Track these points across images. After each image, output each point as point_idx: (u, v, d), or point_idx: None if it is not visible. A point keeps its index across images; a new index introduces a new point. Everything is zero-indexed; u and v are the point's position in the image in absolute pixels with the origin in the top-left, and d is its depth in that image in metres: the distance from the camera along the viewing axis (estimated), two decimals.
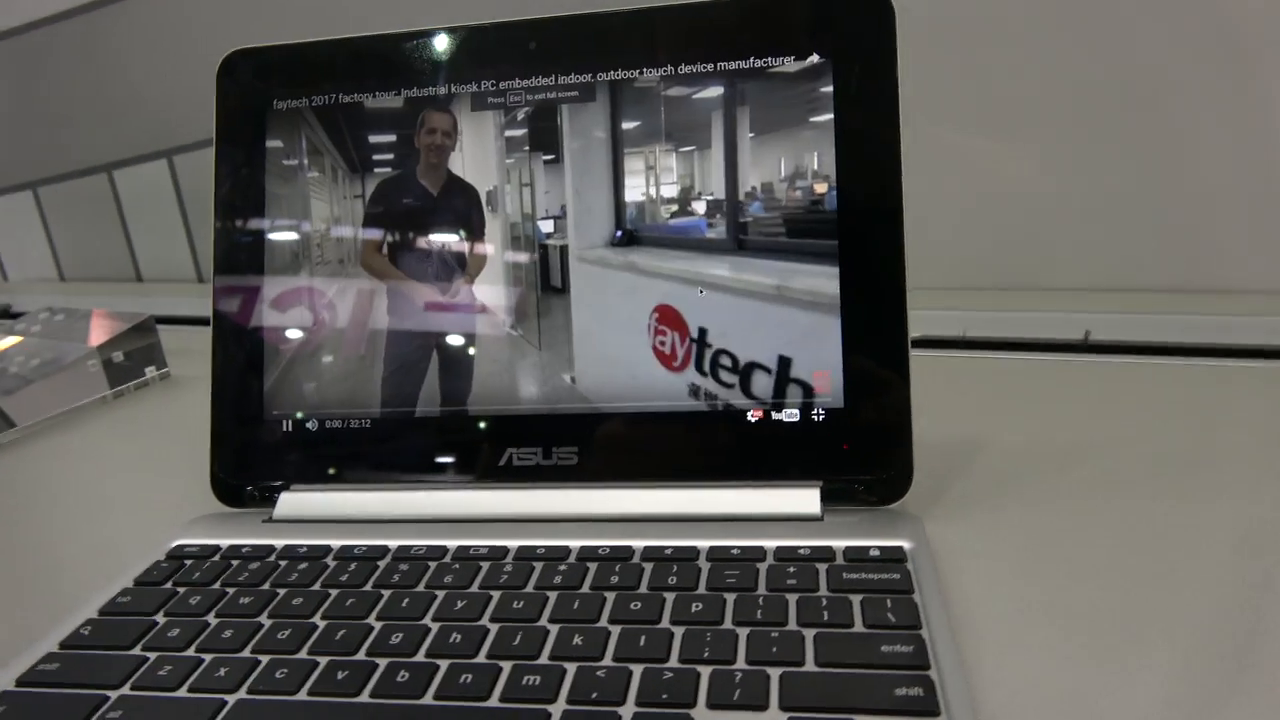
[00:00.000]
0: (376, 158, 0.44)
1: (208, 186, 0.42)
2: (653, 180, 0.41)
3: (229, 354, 0.43)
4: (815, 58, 0.39)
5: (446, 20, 0.42)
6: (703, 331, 0.40)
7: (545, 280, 0.43)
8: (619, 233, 0.41)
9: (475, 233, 0.43)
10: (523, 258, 0.43)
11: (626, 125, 0.41)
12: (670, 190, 0.41)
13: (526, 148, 0.43)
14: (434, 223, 0.43)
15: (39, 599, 0.38)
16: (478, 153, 0.43)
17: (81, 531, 0.45)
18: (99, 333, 0.66)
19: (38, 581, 0.40)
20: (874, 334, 0.38)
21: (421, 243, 0.43)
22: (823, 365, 0.39)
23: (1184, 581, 0.32)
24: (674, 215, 0.41)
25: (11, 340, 0.67)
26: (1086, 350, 0.58)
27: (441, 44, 0.43)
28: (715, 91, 0.41)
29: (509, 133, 0.43)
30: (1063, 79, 0.66)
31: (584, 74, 0.41)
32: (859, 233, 0.38)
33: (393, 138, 0.44)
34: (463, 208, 0.44)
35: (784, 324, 0.39)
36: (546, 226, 0.43)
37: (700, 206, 0.41)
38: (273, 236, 0.44)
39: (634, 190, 0.42)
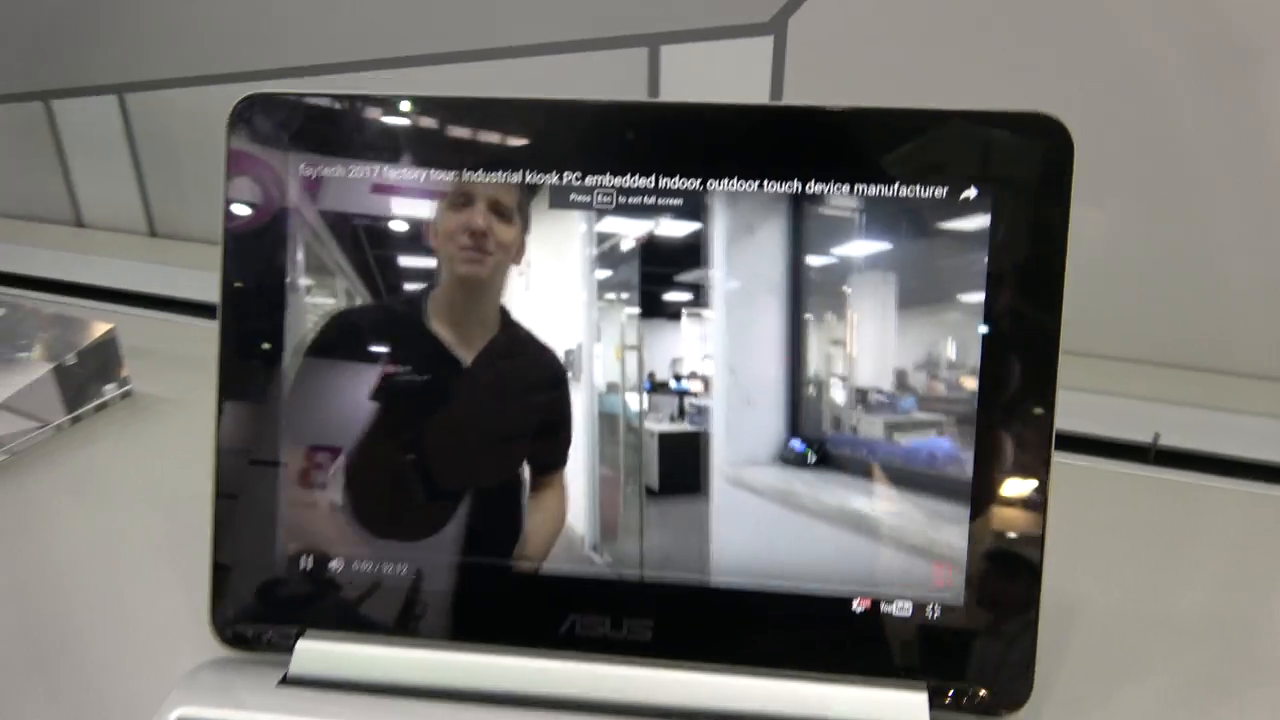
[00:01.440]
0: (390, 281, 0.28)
1: (162, 129, 0.33)
2: (841, 361, 0.26)
3: (235, 481, 0.36)
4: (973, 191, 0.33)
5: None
6: None
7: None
8: (800, 445, 0.27)
9: (552, 450, 0.26)
10: (617, 454, 0.31)
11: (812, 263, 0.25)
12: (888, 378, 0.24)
13: (624, 294, 0.28)
14: (465, 434, 0.26)
15: None
16: (546, 291, 0.32)
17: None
18: (51, 339, 0.57)
19: None
20: (1005, 525, 0.33)
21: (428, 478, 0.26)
22: (943, 556, 0.34)
23: None
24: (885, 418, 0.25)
25: None
26: (1155, 460, 0.53)
27: (509, 118, 0.35)
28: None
29: (601, 273, 0.28)
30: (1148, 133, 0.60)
31: (690, 179, 0.34)
32: (999, 414, 0.33)
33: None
34: (528, 395, 0.26)
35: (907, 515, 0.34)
36: (634, 398, 0.29)
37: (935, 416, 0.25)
38: (286, 350, 0.36)
39: (817, 372, 0.26)
